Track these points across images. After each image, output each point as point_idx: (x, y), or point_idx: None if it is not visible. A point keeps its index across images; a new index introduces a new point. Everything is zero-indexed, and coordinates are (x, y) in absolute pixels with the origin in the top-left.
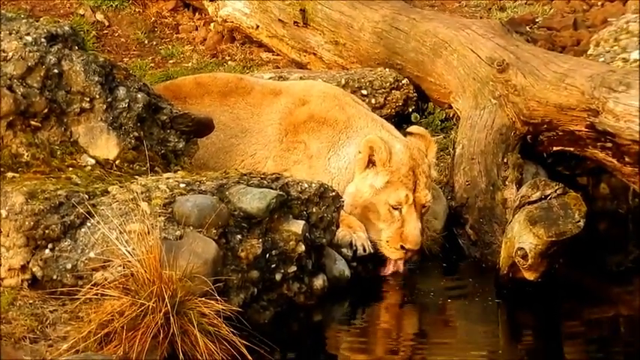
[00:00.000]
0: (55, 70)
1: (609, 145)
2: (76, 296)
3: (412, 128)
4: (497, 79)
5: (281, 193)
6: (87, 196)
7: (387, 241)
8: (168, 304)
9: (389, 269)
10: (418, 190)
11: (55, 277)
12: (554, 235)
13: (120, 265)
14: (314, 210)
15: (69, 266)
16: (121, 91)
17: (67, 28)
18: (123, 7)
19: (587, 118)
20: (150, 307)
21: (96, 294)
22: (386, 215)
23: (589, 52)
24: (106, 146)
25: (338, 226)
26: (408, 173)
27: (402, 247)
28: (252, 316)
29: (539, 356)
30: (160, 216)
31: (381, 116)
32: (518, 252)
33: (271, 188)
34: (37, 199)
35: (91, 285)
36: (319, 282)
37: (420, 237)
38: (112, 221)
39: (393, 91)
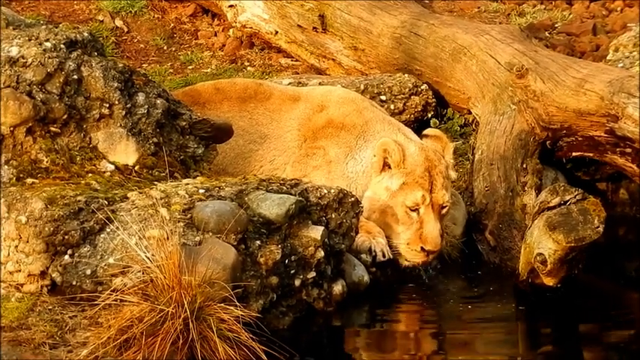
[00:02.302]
0: (75, 76)
1: (629, 150)
2: (96, 302)
3: (428, 130)
4: (516, 84)
5: (300, 198)
6: (106, 202)
7: (408, 244)
8: (188, 310)
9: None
10: (435, 190)
11: (74, 282)
12: (573, 240)
13: (139, 271)
14: (333, 216)
15: (88, 272)
16: (140, 97)
17: (86, 34)
18: (142, 13)
19: (606, 124)
20: (169, 312)
21: (115, 300)
22: (404, 217)
23: (608, 58)
24: (125, 152)
25: (357, 232)
26: (423, 174)
27: (423, 250)
28: (271, 322)
29: None
30: (179, 222)
31: (400, 122)
32: (538, 257)
33: (290, 194)
34: (57, 204)
35: (111, 291)
36: (338, 288)
37: (439, 238)
38: (132, 227)
39: (412, 97)
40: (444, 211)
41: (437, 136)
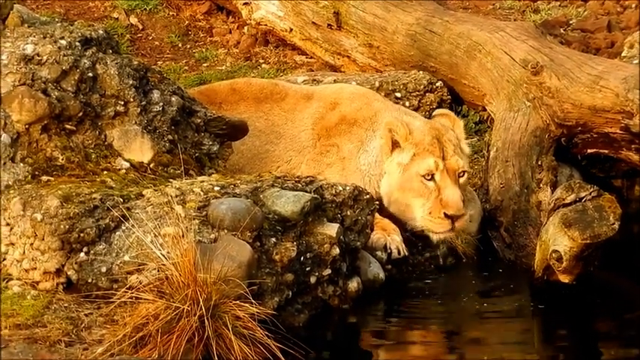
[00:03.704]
0: (90, 74)
1: None
2: (111, 299)
3: (436, 111)
4: (531, 81)
5: (315, 196)
6: (121, 200)
7: (430, 213)
8: (203, 308)
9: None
10: (447, 157)
11: (90, 280)
12: (588, 237)
13: (154, 269)
14: (348, 213)
15: (104, 269)
16: (155, 95)
17: (101, 31)
18: (157, 11)
19: (621, 120)
20: (184, 310)
21: (131, 297)
22: (421, 188)
23: (623, 54)
24: (141, 149)
25: (372, 229)
26: (432, 141)
27: (446, 216)
28: (286, 319)
29: (574, 359)
30: (194, 219)
31: None
32: (553, 255)
33: (305, 191)
34: (72, 202)
35: (126, 288)
36: (354, 285)
37: (460, 202)
38: (147, 224)
39: (426, 94)
40: (462, 179)
41: (445, 113)
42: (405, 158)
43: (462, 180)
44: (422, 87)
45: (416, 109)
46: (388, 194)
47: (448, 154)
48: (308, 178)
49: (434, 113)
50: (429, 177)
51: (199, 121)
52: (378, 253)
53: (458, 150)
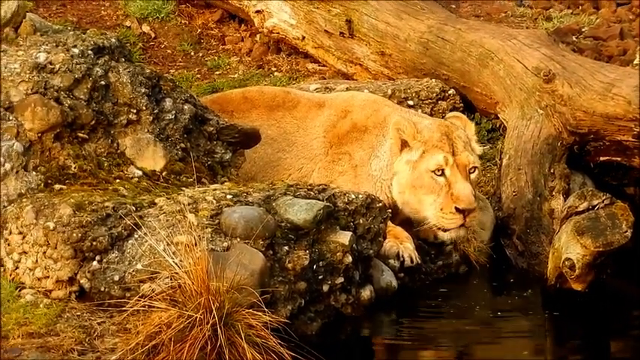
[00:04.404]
0: (102, 82)
1: None
2: (124, 308)
3: (449, 114)
4: (543, 89)
5: (328, 204)
6: (134, 208)
7: (441, 209)
8: (216, 316)
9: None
10: (457, 152)
11: (102, 288)
12: (601, 245)
13: (167, 277)
14: (361, 221)
15: (116, 278)
16: (168, 103)
17: (113, 40)
18: (169, 19)
19: (633, 128)
20: (197, 318)
21: (143, 306)
22: (431, 184)
23: (635, 62)
24: (153, 158)
25: (385, 237)
26: (441, 138)
27: (457, 210)
28: (299, 328)
29: None
30: (207, 227)
31: None
32: (566, 262)
33: (318, 199)
34: (85, 210)
35: (139, 297)
36: (366, 293)
37: (471, 195)
38: (159, 233)
39: (439, 102)
40: (473, 175)
41: (457, 116)
42: (414, 156)
43: (472, 176)
44: (434, 95)
45: None
46: (400, 194)
47: (458, 150)
48: (320, 186)
49: (447, 116)
50: (439, 172)
51: (212, 129)
52: (391, 261)
53: (468, 147)
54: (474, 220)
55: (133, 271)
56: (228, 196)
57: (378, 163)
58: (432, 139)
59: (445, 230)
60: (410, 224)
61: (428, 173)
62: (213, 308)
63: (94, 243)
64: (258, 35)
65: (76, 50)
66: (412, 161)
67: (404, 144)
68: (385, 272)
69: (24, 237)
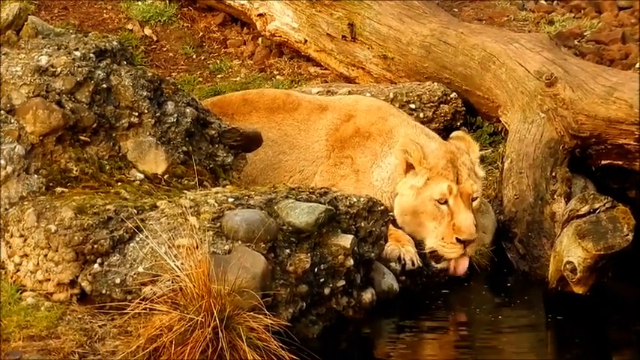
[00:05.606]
0: (104, 85)
1: None
2: (125, 311)
3: (452, 134)
4: (545, 92)
5: (329, 207)
6: (135, 211)
7: (442, 239)
8: (217, 319)
9: (451, 269)
10: (461, 180)
11: (103, 291)
12: (602, 248)
13: (168, 280)
14: (362, 224)
15: (118, 281)
16: (170, 106)
17: (115, 43)
18: (171, 22)
19: (635, 132)
20: (198, 321)
21: (145, 309)
22: (434, 212)
23: (637, 66)
24: (155, 161)
25: (386, 240)
26: (446, 165)
27: (459, 241)
28: (300, 331)
29: None
30: (208, 230)
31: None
32: (567, 266)
33: (320, 203)
34: (86, 213)
35: (140, 299)
36: (368, 296)
37: (473, 226)
38: (161, 236)
39: (441, 105)
40: (475, 203)
41: (461, 136)
42: (419, 182)
43: (475, 203)
44: (436, 98)
45: (430, 121)
46: (401, 216)
47: (462, 178)
48: (322, 190)
49: (451, 135)
50: (443, 201)
51: (214, 132)
52: (392, 264)
53: (472, 174)
54: (474, 249)
55: (135, 273)
56: (230, 199)
57: (380, 173)
58: (438, 166)
59: (445, 260)
60: None
61: (432, 201)
62: (215, 311)
63: (96, 246)
64: (260, 38)
65: (77, 53)
66: (416, 187)
67: (409, 166)
68: (387, 275)
69: (25, 240)
